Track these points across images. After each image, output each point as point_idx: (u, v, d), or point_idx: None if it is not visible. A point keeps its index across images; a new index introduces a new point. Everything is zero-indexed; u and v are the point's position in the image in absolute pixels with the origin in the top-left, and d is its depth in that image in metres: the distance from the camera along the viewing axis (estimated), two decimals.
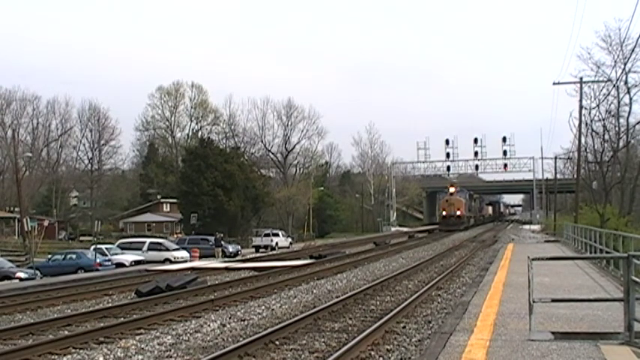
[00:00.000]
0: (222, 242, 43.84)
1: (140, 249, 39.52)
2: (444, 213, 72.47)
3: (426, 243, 41.27)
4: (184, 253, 38.36)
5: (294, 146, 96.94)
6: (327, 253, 37.06)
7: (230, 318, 13.10)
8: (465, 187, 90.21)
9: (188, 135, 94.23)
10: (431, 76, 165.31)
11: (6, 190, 77.09)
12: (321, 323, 12.71)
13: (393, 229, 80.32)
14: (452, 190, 73.85)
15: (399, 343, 10.78)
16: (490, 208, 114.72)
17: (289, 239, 58.77)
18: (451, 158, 79.67)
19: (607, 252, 20.43)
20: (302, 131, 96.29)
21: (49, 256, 38.24)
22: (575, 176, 46.87)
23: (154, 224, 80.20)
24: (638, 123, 42.72)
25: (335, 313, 13.85)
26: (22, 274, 30.53)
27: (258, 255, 43.59)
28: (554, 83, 41.03)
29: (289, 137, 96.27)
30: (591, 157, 46.37)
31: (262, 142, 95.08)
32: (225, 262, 33.22)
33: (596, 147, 44.59)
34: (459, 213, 71.04)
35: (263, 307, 14.45)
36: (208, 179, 63.34)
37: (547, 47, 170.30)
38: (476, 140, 78.02)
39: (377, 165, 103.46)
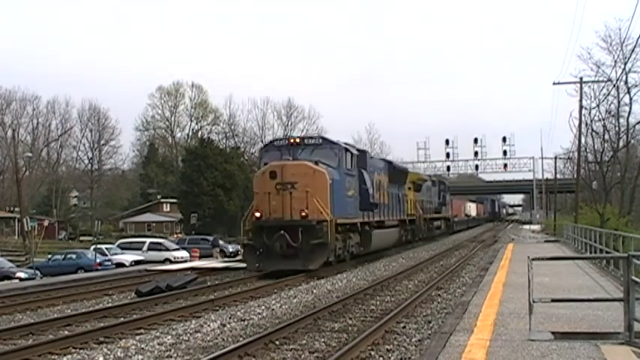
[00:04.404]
0: (221, 242, 43.79)
1: (140, 249, 39.52)
2: (257, 214, 22.00)
3: (425, 243, 41.23)
4: (184, 253, 38.36)
5: None
6: None
7: (230, 318, 13.09)
8: (463, 186, 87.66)
9: (188, 135, 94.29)
10: (431, 76, 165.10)
11: (6, 190, 77.13)
12: (321, 323, 12.71)
13: None
14: (292, 141, 24.36)
15: (399, 343, 10.78)
16: (474, 207, 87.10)
17: None
18: (451, 158, 79.35)
19: (607, 252, 20.44)
20: (302, 131, 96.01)
21: (49, 256, 38.26)
22: (575, 176, 46.90)
23: (153, 224, 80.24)
24: (638, 123, 42.76)
25: (335, 313, 13.85)
26: (22, 274, 30.55)
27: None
28: (554, 83, 41.07)
29: None
30: (591, 157, 46.39)
31: (262, 142, 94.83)
32: (225, 262, 33.20)
33: (596, 147, 44.62)
34: (304, 213, 21.27)
35: (263, 307, 14.45)
36: (208, 179, 63.38)
37: (547, 47, 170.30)
38: (476, 140, 77.75)
39: None
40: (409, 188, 37.17)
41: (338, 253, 22.77)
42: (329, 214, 21.25)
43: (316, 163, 22.16)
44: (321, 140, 24.17)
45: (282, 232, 20.94)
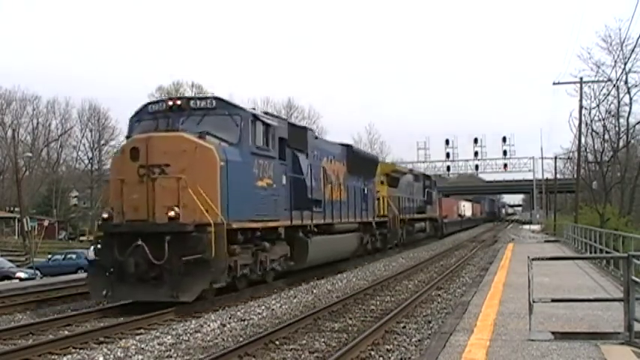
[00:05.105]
0: None
1: None
2: (104, 215, 15.24)
3: (426, 243, 41.25)
4: None
5: None
6: None
7: (230, 318, 13.10)
8: (463, 186, 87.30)
9: None
10: (431, 75, 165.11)
11: (6, 190, 77.19)
12: (321, 323, 12.72)
13: None
14: (170, 103, 15.96)
15: (399, 343, 10.79)
16: (469, 206, 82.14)
17: None
18: (451, 158, 79.45)
19: (607, 252, 20.46)
20: None
21: (49, 256, 38.29)
22: (575, 176, 46.90)
23: None
24: (638, 123, 42.76)
25: (335, 313, 13.86)
26: (22, 274, 30.55)
27: None
28: (554, 83, 41.17)
29: None
30: (591, 157, 46.41)
31: None
32: None
33: (596, 147, 44.67)
34: (172, 213, 13.97)
35: (263, 307, 14.45)
36: None
37: (547, 47, 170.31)
38: (476, 140, 77.85)
39: None
40: (381, 182, 30.97)
41: (243, 273, 15.58)
42: (218, 214, 14.10)
43: (201, 135, 14.69)
44: (214, 103, 15.95)
45: (139, 242, 13.76)
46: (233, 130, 15.56)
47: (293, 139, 18.66)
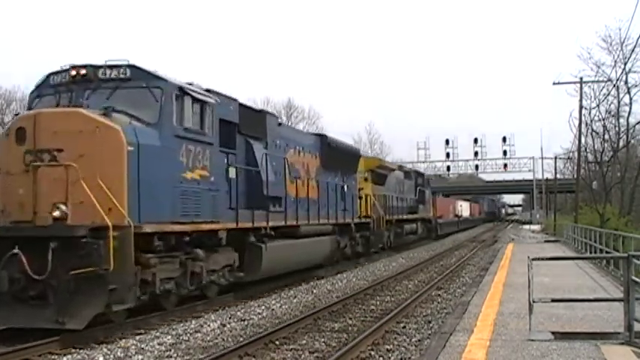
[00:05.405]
0: None
1: None
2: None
3: (425, 244, 41.26)
4: None
5: None
6: None
7: (230, 318, 13.10)
8: (463, 186, 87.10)
9: None
10: (431, 76, 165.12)
11: None
12: (321, 323, 12.72)
13: None
14: (73, 73, 12.68)
15: (399, 343, 10.79)
16: (466, 206, 77.85)
17: None
18: (451, 158, 79.51)
19: (607, 252, 20.48)
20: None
21: None
22: (575, 176, 46.89)
23: None
24: (638, 123, 42.72)
25: (335, 313, 13.86)
26: None
27: None
28: (554, 83, 41.11)
29: None
30: (591, 157, 46.42)
31: None
32: None
33: (596, 147, 44.62)
34: (58, 212, 10.88)
35: (263, 307, 14.46)
36: None
37: (547, 47, 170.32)
38: (476, 140, 77.89)
39: None
40: (365, 179, 27.89)
41: (166, 289, 12.60)
42: (124, 215, 10.96)
43: (106, 112, 11.52)
44: (128, 72, 12.65)
45: (15, 250, 10.63)
46: (152, 106, 12.36)
47: (246, 123, 15.68)
